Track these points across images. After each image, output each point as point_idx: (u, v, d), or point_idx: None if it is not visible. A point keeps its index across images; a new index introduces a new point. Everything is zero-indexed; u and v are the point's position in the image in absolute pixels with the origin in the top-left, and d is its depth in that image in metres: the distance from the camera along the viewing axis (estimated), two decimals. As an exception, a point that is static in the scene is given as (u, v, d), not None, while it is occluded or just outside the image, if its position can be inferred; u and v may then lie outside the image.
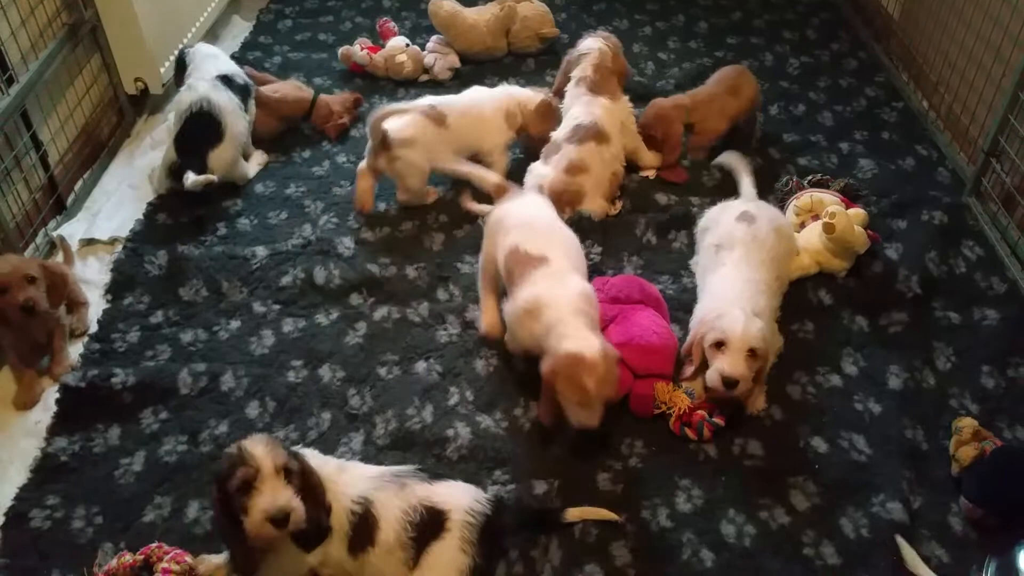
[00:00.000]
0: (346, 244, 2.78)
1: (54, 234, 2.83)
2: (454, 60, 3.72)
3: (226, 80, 3.07)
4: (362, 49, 3.70)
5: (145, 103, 3.46)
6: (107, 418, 2.24)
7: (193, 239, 2.82)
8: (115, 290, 2.64)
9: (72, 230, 2.86)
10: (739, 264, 2.34)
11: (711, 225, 2.56)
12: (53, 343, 2.41)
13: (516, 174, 3.02)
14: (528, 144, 3.13)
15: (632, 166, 3.08)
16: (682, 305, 2.52)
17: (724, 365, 2.09)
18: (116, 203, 3.00)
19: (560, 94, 3.11)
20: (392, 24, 3.86)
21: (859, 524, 2.02)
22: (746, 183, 2.72)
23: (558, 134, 2.92)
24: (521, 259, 2.22)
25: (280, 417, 2.27)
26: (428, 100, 2.97)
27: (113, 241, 2.84)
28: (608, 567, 1.93)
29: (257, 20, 4.17)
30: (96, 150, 3.21)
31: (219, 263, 2.69)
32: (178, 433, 2.22)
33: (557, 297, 2.11)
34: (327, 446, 2.15)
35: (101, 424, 2.23)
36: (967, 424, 2.16)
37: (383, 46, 3.72)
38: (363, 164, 2.91)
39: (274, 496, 1.61)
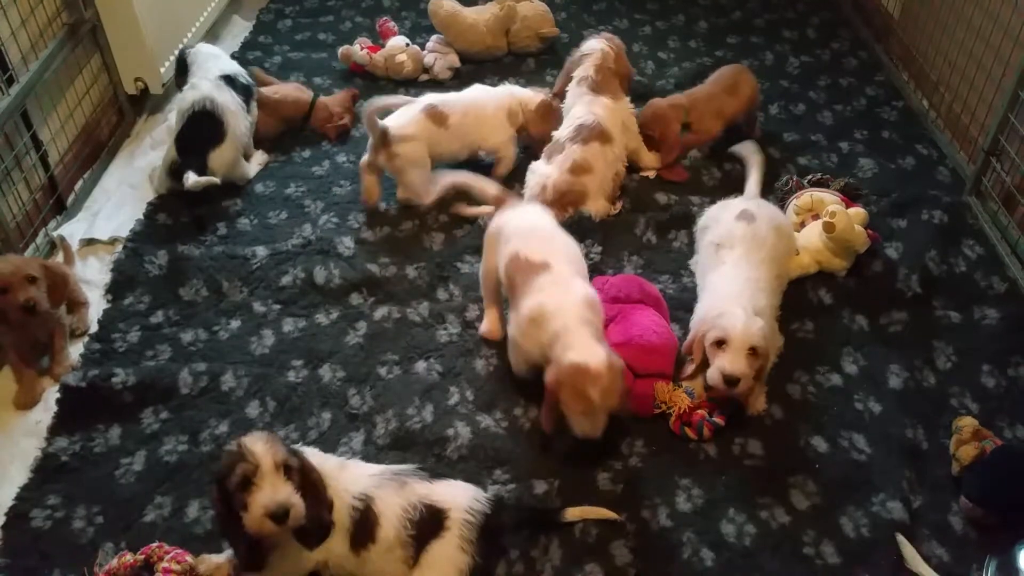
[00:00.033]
0: (346, 244, 2.78)
1: (54, 234, 2.83)
2: (454, 60, 3.72)
3: (229, 80, 3.07)
4: (362, 49, 3.70)
5: (145, 103, 3.47)
6: (108, 418, 2.24)
7: (193, 239, 2.82)
8: (115, 290, 2.64)
9: (72, 230, 2.86)
10: (739, 263, 2.34)
11: (711, 224, 2.55)
12: (54, 343, 2.41)
13: (517, 173, 3.03)
14: (528, 143, 3.13)
15: (633, 166, 3.08)
16: (682, 304, 2.52)
17: (725, 363, 2.09)
18: (116, 203, 3.01)
19: (561, 95, 3.11)
20: (392, 24, 3.86)
21: (859, 523, 2.02)
22: (753, 180, 2.71)
23: (561, 133, 2.92)
24: (522, 266, 2.21)
25: (280, 417, 2.27)
26: (429, 99, 2.98)
27: (113, 241, 2.84)
28: (608, 566, 1.93)
29: (257, 20, 4.17)
30: (96, 150, 3.21)
31: (219, 263, 2.69)
32: (178, 433, 2.22)
33: (562, 305, 2.09)
34: (327, 446, 2.15)
35: (102, 424, 2.23)
36: (967, 423, 2.16)
37: (383, 46, 3.72)
38: (364, 159, 2.92)
39: (274, 492, 1.61)
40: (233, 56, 3.59)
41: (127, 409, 2.26)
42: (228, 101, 2.98)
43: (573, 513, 1.99)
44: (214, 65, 3.10)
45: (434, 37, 3.79)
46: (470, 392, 2.33)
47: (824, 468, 2.15)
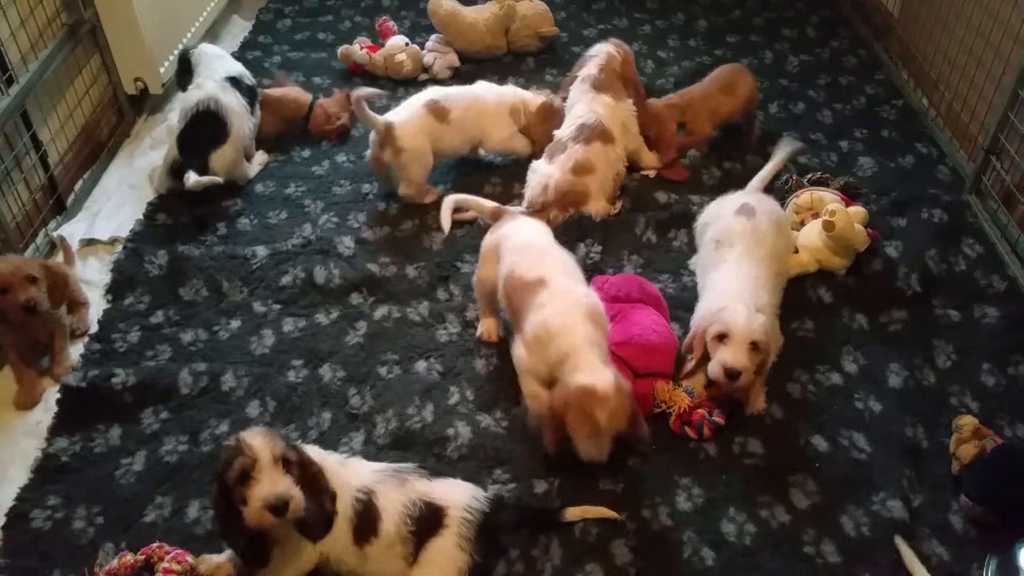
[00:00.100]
0: (346, 244, 2.78)
1: (54, 234, 2.83)
2: (453, 59, 3.72)
3: (234, 82, 3.07)
4: (361, 48, 3.70)
5: (145, 103, 3.47)
6: (108, 418, 2.24)
7: (193, 239, 2.82)
8: (115, 290, 2.64)
9: (72, 230, 2.86)
10: (740, 261, 2.34)
11: (710, 221, 2.54)
12: (54, 343, 2.41)
13: (518, 173, 3.03)
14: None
15: (633, 165, 3.08)
16: (682, 304, 2.52)
17: (727, 356, 2.09)
18: (116, 203, 3.01)
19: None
20: (391, 23, 3.86)
21: (860, 522, 2.02)
22: (763, 173, 2.67)
23: (563, 132, 2.92)
24: (518, 285, 2.17)
25: (281, 417, 2.27)
26: (431, 93, 2.98)
27: (113, 241, 2.84)
28: (608, 566, 1.93)
29: (256, 20, 4.17)
30: (96, 150, 3.21)
31: (219, 263, 2.69)
32: (179, 433, 2.22)
33: (567, 322, 2.05)
34: (328, 445, 2.13)
35: (102, 424, 2.23)
36: (967, 422, 2.16)
37: (382, 45, 3.72)
38: (370, 155, 2.94)
39: (272, 485, 1.61)
40: (232, 56, 3.58)
41: (127, 409, 2.26)
42: (232, 102, 2.99)
43: (573, 512, 1.99)
44: (219, 66, 3.11)
45: (433, 36, 3.79)
46: (470, 392, 2.33)
47: (824, 467, 2.15)
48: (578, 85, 3.02)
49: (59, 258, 2.75)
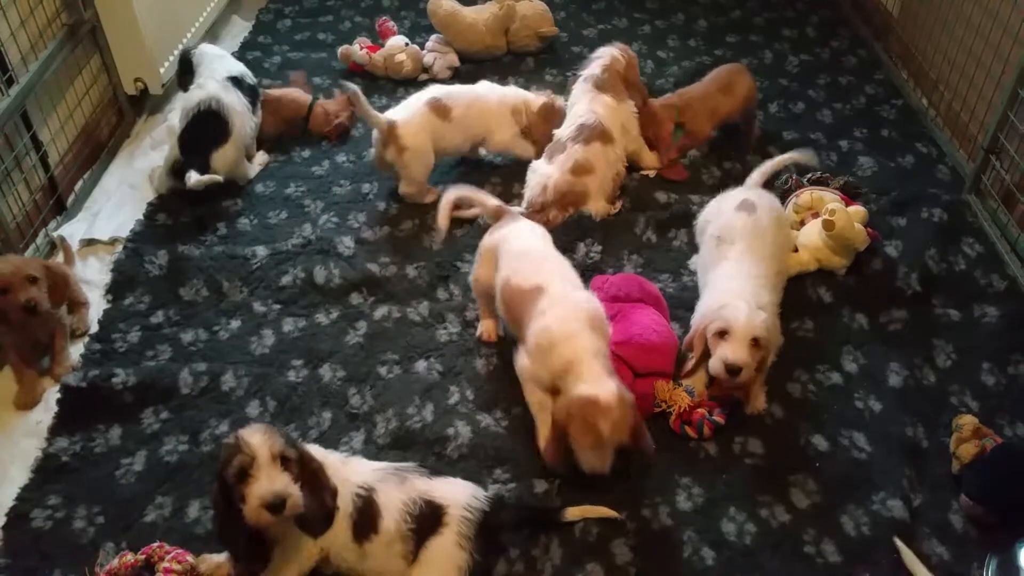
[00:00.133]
0: (346, 243, 2.78)
1: (54, 234, 2.83)
2: (453, 59, 3.72)
3: (236, 81, 3.07)
4: (361, 48, 3.70)
5: (145, 103, 3.47)
6: (108, 418, 2.24)
7: (193, 239, 2.82)
8: (115, 290, 2.64)
9: (72, 230, 2.86)
10: (741, 259, 2.33)
11: (711, 217, 2.53)
12: (54, 343, 2.41)
13: (518, 173, 3.03)
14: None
15: (633, 165, 3.08)
16: (682, 303, 2.52)
17: (727, 352, 2.08)
18: (116, 203, 3.01)
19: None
20: (391, 23, 3.86)
21: (860, 522, 2.02)
22: (764, 168, 2.65)
23: (562, 132, 2.92)
24: (515, 294, 2.16)
25: (281, 416, 2.27)
26: (433, 91, 2.98)
27: (113, 241, 2.84)
28: (609, 565, 1.93)
29: (256, 20, 4.17)
30: (96, 150, 3.21)
31: (219, 263, 2.69)
32: (179, 433, 2.22)
33: (569, 331, 2.03)
34: (328, 445, 2.13)
35: (102, 424, 2.23)
36: (967, 421, 2.16)
37: (382, 45, 3.72)
38: (374, 154, 2.95)
39: (270, 482, 1.61)
40: (232, 56, 3.58)
41: (127, 409, 2.26)
42: (234, 102, 2.99)
43: (573, 512, 1.99)
44: (220, 66, 3.11)
45: (433, 36, 3.80)
46: (470, 391, 2.33)
47: (824, 467, 2.15)
48: (580, 84, 3.03)
49: (59, 258, 2.75)
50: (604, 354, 2.04)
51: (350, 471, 1.81)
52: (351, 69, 3.72)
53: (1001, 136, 2.83)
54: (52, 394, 2.32)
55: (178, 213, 2.93)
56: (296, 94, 3.35)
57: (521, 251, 2.26)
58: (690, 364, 2.24)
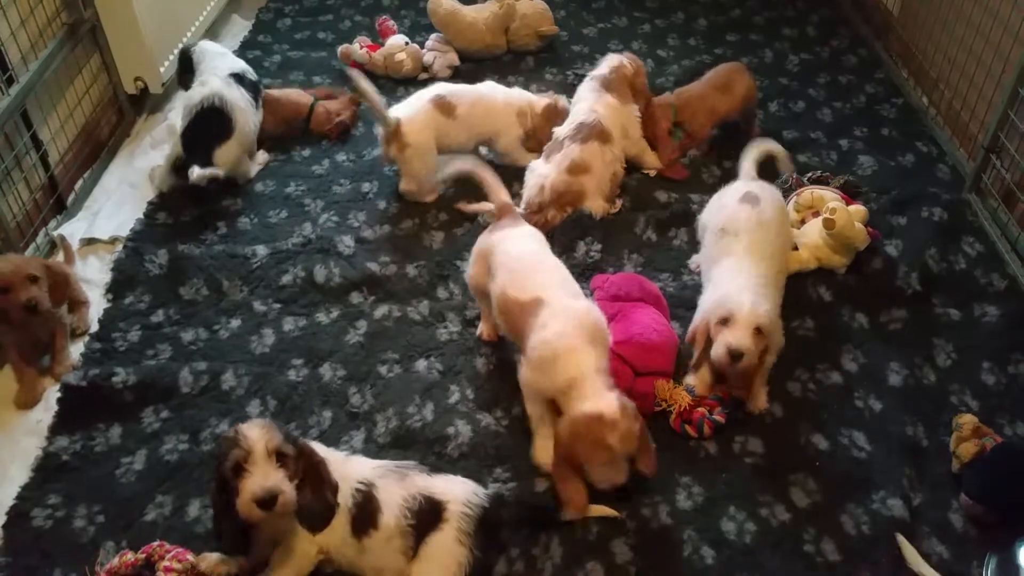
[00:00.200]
0: (346, 243, 2.78)
1: (55, 234, 2.83)
2: (453, 58, 3.72)
3: (238, 78, 3.07)
4: (361, 47, 3.70)
5: (145, 103, 3.47)
6: (108, 417, 2.24)
7: (193, 238, 2.82)
8: (116, 289, 2.64)
9: (72, 229, 2.86)
10: (744, 256, 2.33)
11: (714, 211, 2.51)
12: (55, 342, 2.41)
13: (517, 173, 3.02)
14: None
15: (633, 164, 3.08)
16: (682, 302, 2.53)
17: (730, 338, 2.08)
18: (116, 202, 3.01)
19: None
20: (391, 22, 3.86)
21: (860, 521, 2.02)
22: (752, 156, 2.64)
23: (561, 131, 2.92)
24: (514, 306, 2.13)
25: (281, 416, 2.27)
26: (437, 89, 2.98)
27: (114, 240, 2.84)
28: (609, 564, 1.93)
29: (256, 19, 4.17)
30: (96, 150, 3.22)
31: (219, 262, 2.69)
32: (179, 432, 2.22)
33: (570, 348, 2.00)
34: (328, 444, 2.12)
35: (102, 423, 2.23)
36: (967, 420, 2.16)
37: (382, 44, 3.72)
38: (381, 151, 2.95)
39: (263, 478, 1.62)
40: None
41: (128, 408, 2.26)
42: (237, 98, 2.99)
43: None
44: (222, 63, 3.11)
45: (433, 35, 3.79)
46: (470, 390, 2.33)
47: (824, 466, 2.15)
48: (586, 83, 3.03)
49: (59, 257, 2.75)
50: (605, 368, 2.02)
51: (350, 468, 1.82)
52: (351, 68, 3.72)
53: (1001, 135, 2.83)
54: (52, 393, 2.32)
55: (178, 212, 2.93)
56: (296, 96, 3.35)
57: (515, 260, 2.21)
58: (696, 355, 2.22)
